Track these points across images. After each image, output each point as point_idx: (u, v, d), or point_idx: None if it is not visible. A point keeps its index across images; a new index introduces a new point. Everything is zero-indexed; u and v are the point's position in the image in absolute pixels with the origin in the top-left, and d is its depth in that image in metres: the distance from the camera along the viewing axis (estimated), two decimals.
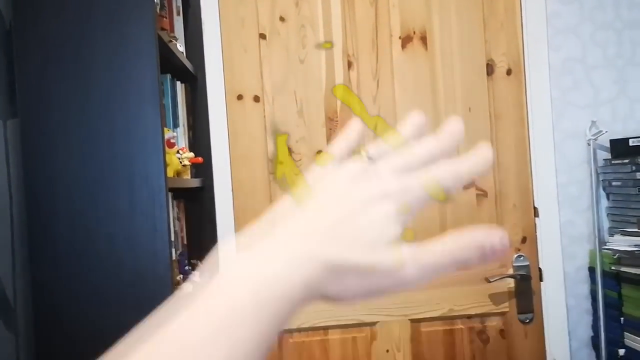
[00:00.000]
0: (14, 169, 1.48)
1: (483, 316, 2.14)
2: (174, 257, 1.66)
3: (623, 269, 1.90)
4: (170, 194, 1.65)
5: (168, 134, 1.68)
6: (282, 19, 2.14)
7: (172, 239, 1.61)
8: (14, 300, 1.44)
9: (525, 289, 2.13)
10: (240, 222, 2.13)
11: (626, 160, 1.96)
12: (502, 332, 2.14)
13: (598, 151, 2.10)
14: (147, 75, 1.46)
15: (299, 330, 2.10)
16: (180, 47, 1.95)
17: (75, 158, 1.44)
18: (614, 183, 2.04)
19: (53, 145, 1.44)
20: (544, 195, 2.13)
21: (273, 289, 0.37)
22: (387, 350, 2.12)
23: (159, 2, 1.70)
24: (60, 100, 1.45)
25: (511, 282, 2.13)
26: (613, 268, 1.95)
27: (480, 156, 0.43)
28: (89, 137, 1.45)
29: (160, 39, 1.54)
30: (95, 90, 1.45)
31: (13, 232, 1.47)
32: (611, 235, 2.04)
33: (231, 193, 2.12)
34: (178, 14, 2.03)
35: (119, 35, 1.46)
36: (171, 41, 1.76)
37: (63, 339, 1.43)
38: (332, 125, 2.14)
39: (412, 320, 2.12)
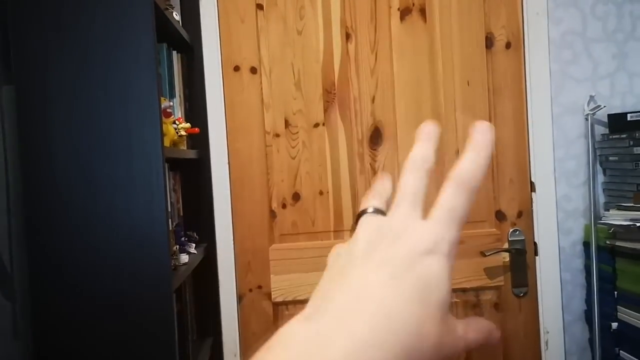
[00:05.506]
0: (9, 136, 1.46)
1: (478, 290, 2.15)
2: (170, 228, 1.65)
3: (618, 243, 1.91)
4: (166, 165, 1.64)
5: (165, 103, 1.66)
6: None
7: (169, 209, 1.60)
8: (10, 267, 1.44)
9: (520, 263, 2.14)
10: (236, 195, 2.12)
11: (624, 135, 1.95)
12: (496, 306, 2.15)
13: (596, 126, 2.10)
14: (144, 43, 1.44)
15: (294, 302, 2.10)
16: (176, 15, 1.93)
17: (71, 126, 1.43)
18: (611, 158, 2.04)
19: (49, 113, 1.43)
20: (541, 169, 2.12)
21: None
22: None
23: None
24: (57, 68, 1.43)
25: (506, 256, 2.14)
26: (608, 242, 1.95)
27: (480, 141, 0.37)
28: (86, 105, 1.43)
29: (156, 5, 1.51)
30: (92, 58, 1.43)
31: (9, 199, 1.46)
32: (607, 210, 2.05)
33: (227, 165, 2.11)
34: None
35: (115, 1, 1.43)
36: (167, 9, 1.74)
37: (60, 307, 1.43)
38: (330, 98, 2.12)
39: None
